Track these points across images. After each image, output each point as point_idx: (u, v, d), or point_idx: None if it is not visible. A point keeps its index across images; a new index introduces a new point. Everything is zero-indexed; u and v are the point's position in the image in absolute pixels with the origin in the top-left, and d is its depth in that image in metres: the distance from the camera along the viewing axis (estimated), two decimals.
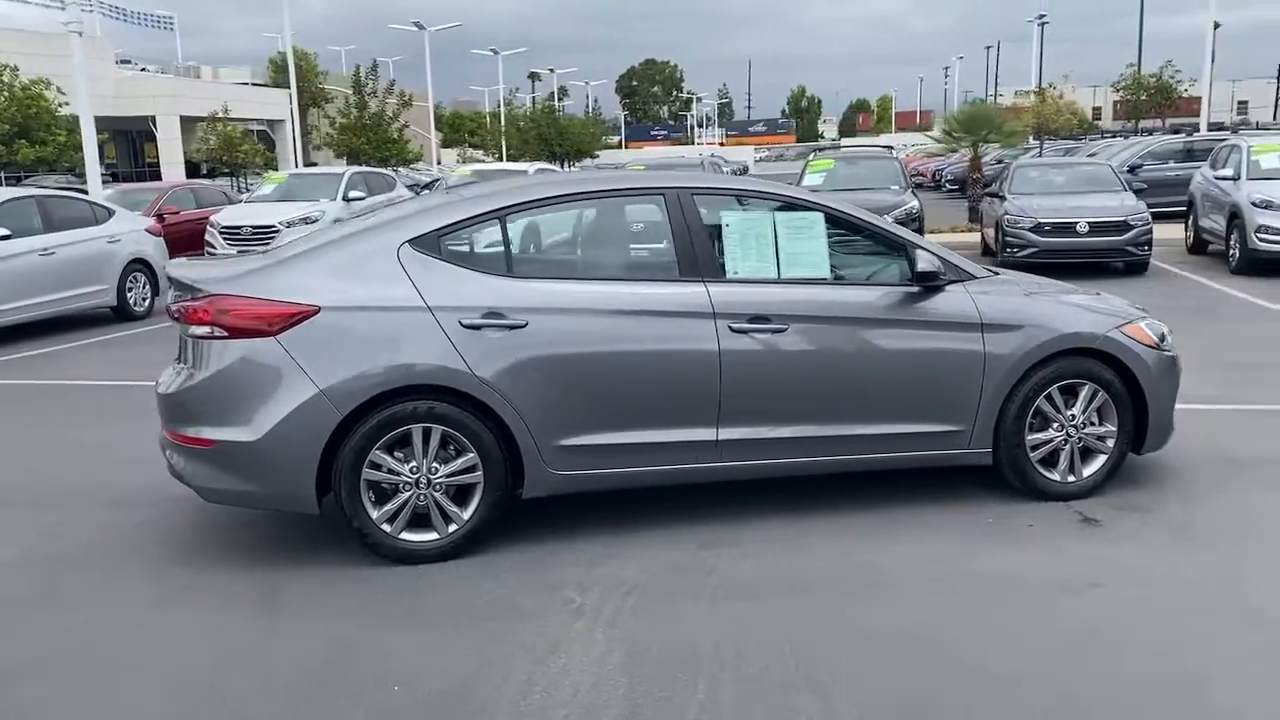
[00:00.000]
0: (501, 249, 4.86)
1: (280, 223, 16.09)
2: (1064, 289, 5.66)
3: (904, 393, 5.06)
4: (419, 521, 4.66)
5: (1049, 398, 5.17)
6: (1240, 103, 54.71)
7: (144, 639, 4.07)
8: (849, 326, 4.98)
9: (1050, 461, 5.23)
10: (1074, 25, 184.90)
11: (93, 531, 5.25)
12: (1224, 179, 14.68)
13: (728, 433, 4.87)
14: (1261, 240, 13.27)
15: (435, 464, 4.61)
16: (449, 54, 43.95)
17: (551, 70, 69.00)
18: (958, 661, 3.69)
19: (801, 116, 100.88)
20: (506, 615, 4.14)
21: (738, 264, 4.97)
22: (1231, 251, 14.01)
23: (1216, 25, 60.95)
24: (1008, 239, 14.24)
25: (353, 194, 17.37)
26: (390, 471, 4.59)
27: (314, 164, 35.97)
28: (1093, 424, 5.24)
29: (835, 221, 5.19)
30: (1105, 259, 13.96)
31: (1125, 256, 13.95)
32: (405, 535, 4.65)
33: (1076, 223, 13.88)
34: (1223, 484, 5.43)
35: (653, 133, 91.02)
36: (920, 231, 13.91)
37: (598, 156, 50.69)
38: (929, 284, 5.06)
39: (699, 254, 4.92)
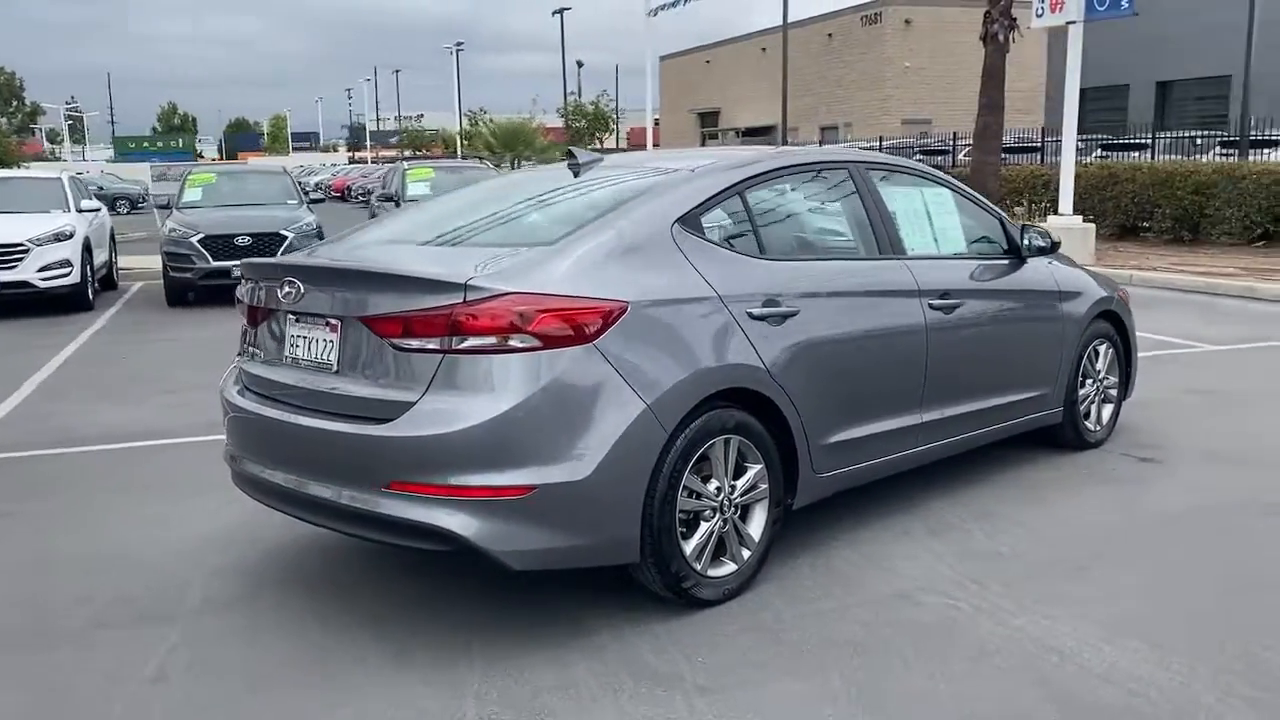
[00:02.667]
0: (747, 226, 4.23)
1: None
2: None
3: (1025, 359, 5.36)
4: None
5: (1088, 356, 5.81)
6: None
7: None
8: (994, 299, 5.14)
9: (1085, 414, 5.87)
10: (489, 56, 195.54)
11: (234, 653, 3.59)
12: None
13: (927, 415, 4.75)
14: None
15: (732, 482, 3.93)
16: None
17: None
18: None
19: (175, 134, 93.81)
20: (948, 630, 3.68)
21: (910, 240, 4.87)
22: None
23: (580, 64, 68.59)
24: None
25: None
26: (697, 496, 3.81)
27: None
28: (1106, 377, 5.98)
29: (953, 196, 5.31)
30: None
31: None
32: (711, 572, 3.89)
33: None
34: (1174, 415, 6.48)
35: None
36: None
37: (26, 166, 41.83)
38: (1030, 255, 5.40)
39: (889, 230, 4.75)
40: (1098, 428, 5.92)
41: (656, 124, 74.97)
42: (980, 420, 5.10)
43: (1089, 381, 5.83)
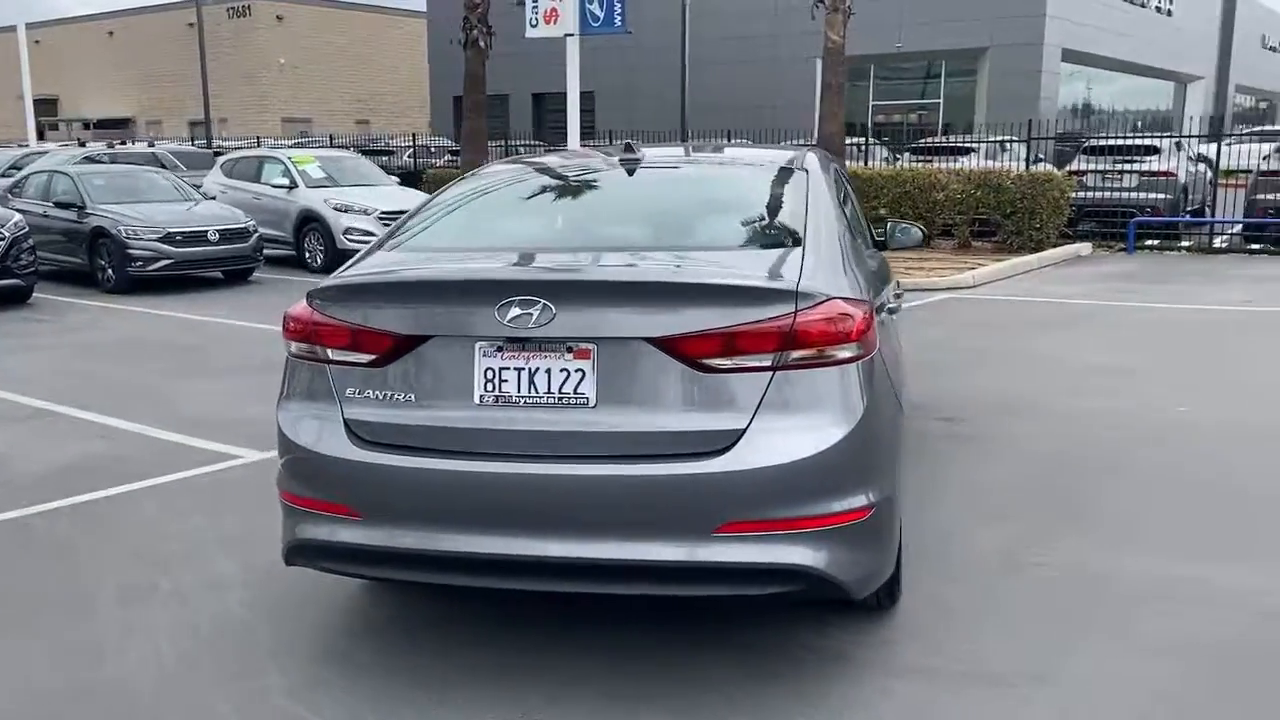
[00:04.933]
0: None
1: None
2: None
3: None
4: None
5: None
6: None
7: None
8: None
9: None
10: None
11: None
12: None
13: None
14: None
15: None
16: None
17: None
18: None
19: None
20: (1107, 586, 4.08)
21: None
22: None
23: None
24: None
25: None
26: None
27: None
28: None
29: None
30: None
31: None
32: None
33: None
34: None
35: None
36: None
37: None
38: (893, 248, 5.98)
39: (861, 222, 5.01)
40: None
41: None
42: None
43: None
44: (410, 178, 20.63)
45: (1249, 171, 17.33)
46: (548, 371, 3.09)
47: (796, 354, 3.04)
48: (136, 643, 3.65)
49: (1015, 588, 4.06)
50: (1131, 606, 3.88)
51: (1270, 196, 16.24)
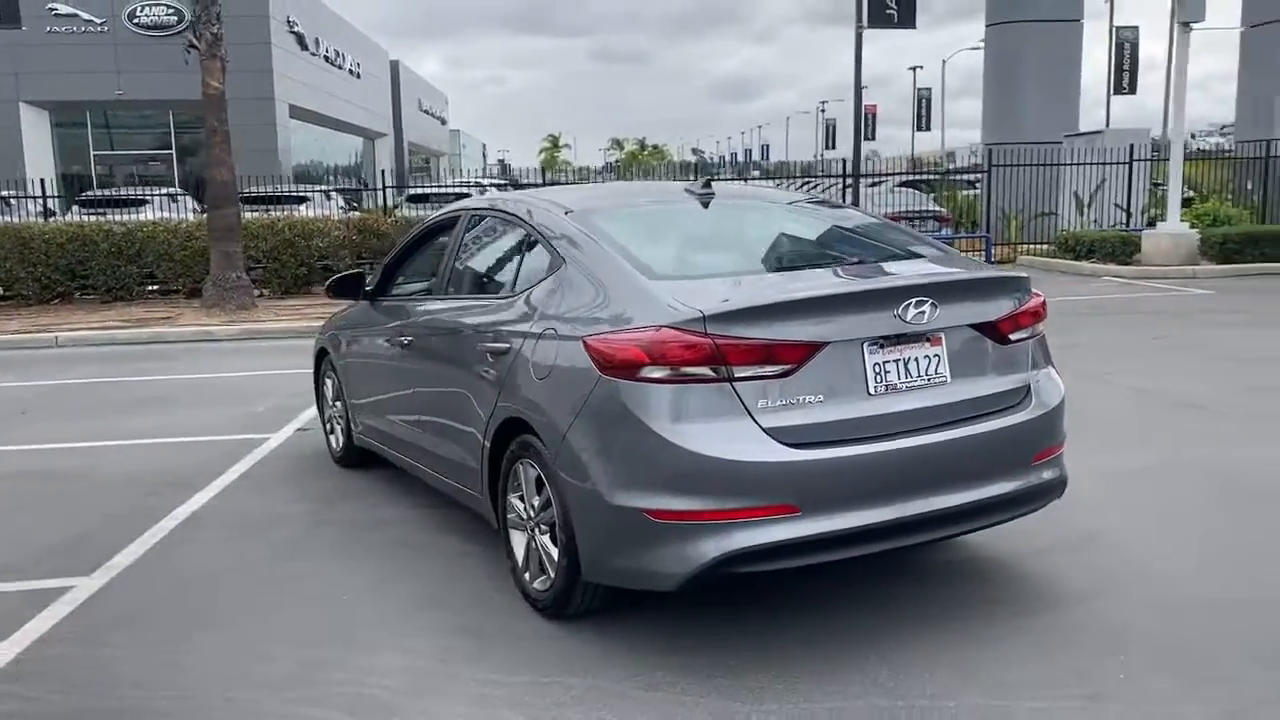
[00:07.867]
0: None
1: None
2: None
3: None
4: None
5: None
6: None
7: None
8: None
9: None
10: None
11: None
12: None
13: None
14: None
15: None
16: None
17: None
18: None
19: None
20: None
21: None
22: None
23: None
24: None
25: None
26: None
27: None
28: None
29: None
30: None
31: None
32: None
33: None
34: None
35: None
36: None
37: None
38: None
39: None
40: None
41: None
42: None
43: None
44: None
45: None
46: (916, 360, 3.63)
47: (1037, 326, 4.03)
48: None
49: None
50: (1118, 482, 5.43)
51: None
